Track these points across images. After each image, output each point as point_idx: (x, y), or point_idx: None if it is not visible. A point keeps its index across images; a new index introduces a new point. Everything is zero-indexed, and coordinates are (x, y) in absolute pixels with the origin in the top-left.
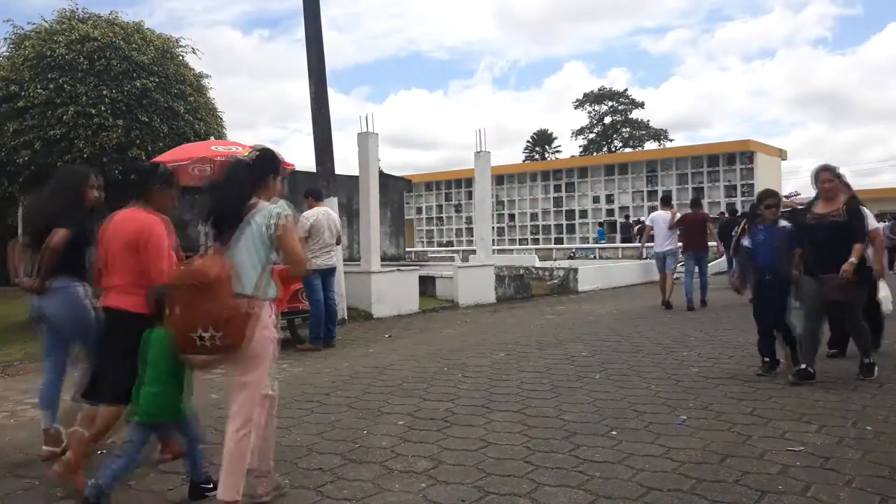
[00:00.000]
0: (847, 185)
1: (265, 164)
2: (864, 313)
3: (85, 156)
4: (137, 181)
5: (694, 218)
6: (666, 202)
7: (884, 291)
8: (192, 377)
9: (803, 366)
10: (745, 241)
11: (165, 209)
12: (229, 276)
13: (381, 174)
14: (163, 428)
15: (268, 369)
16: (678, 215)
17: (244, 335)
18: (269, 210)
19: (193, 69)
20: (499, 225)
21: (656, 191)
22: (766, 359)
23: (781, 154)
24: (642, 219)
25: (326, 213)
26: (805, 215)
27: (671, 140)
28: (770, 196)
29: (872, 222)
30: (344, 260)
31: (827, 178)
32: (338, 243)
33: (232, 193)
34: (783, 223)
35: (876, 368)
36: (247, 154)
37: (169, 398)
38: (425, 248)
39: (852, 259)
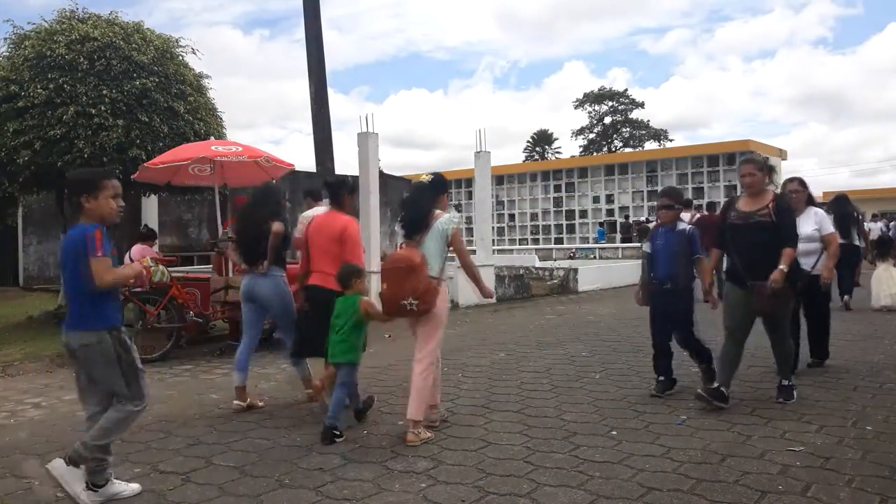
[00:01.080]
0: (807, 194)
1: (439, 185)
2: (814, 321)
3: (85, 156)
4: (332, 191)
5: (710, 220)
6: (687, 204)
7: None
8: (366, 333)
9: (716, 384)
10: (646, 247)
11: (352, 212)
12: (424, 262)
13: (381, 174)
14: (341, 369)
15: (443, 329)
16: (696, 216)
17: (434, 303)
18: (447, 217)
19: (193, 69)
20: (499, 225)
21: (656, 191)
22: (661, 377)
23: (781, 154)
24: (643, 219)
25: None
26: (729, 213)
27: (671, 140)
28: (666, 195)
29: (827, 226)
30: None
31: (748, 170)
32: None
33: (422, 207)
34: (683, 226)
35: (796, 392)
36: (425, 177)
37: (350, 347)
38: None
39: (781, 266)
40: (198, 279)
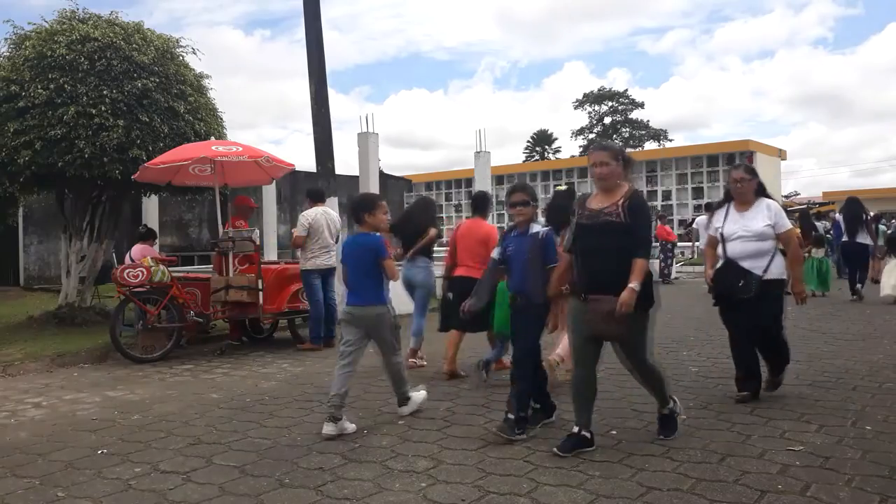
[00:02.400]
0: (757, 183)
1: (573, 193)
2: (763, 343)
3: (86, 156)
4: (479, 203)
5: None
6: (708, 207)
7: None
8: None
9: (575, 429)
10: (495, 253)
11: (487, 219)
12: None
13: (381, 174)
14: (502, 338)
15: None
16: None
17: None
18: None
19: (194, 69)
20: (499, 225)
21: (656, 191)
22: (509, 415)
23: (781, 154)
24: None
25: (325, 212)
26: (579, 210)
27: (671, 140)
28: (518, 191)
29: (783, 220)
30: None
31: (600, 158)
32: (336, 242)
33: (564, 210)
34: (537, 227)
35: (678, 421)
36: (562, 187)
37: (507, 320)
38: None
39: (631, 284)
40: (198, 279)
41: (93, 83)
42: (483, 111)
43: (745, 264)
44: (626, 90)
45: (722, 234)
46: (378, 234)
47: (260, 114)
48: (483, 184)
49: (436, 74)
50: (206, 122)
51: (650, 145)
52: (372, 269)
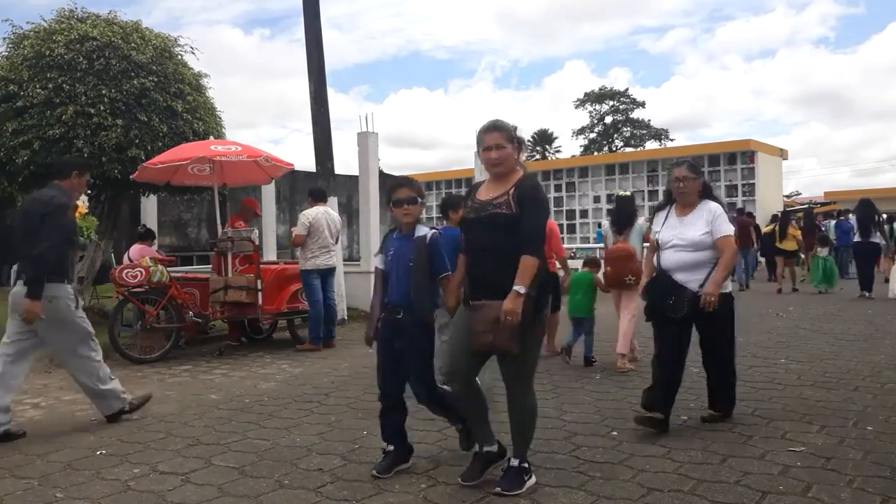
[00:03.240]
0: (701, 183)
1: (633, 199)
2: (712, 368)
3: (84, 155)
4: None
5: (745, 222)
6: (741, 212)
7: None
8: (595, 298)
9: (476, 448)
10: (377, 261)
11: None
12: (635, 252)
13: (381, 174)
14: (584, 323)
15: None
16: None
17: (641, 279)
18: (643, 220)
19: (192, 68)
20: None
21: (657, 190)
22: (389, 447)
23: (782, 154)
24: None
25: (326, 212)
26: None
27: (672, 140)
28: (404, 187)
29: (723, 226)
30: (344, 260)
31: (493, 141)
32: (336, 242)
33: (630, 213)
34: (424, 230)
35: (529, 479)
36: (625, 192)
37: (588, 307)
38: None
39: (517, 287)
40: (197, 279)
41: (91, 82)
42: (483, 111)
43: (679, 277)
44: (627, 89)
45: (658, 241)
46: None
47: (259, 113)
48: None
49: (436, 74)
50: (204, 122)
51: (651, 145)
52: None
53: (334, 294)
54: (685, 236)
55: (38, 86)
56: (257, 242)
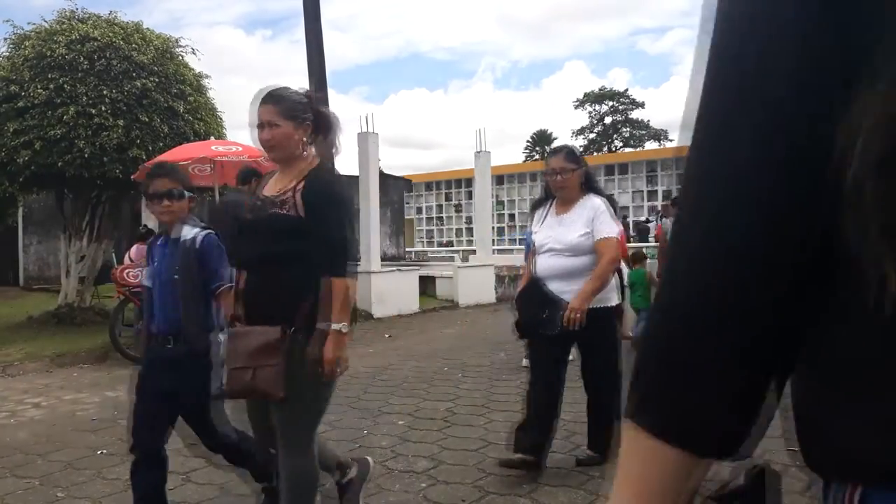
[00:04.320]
0: (582, 173)
1: None
2: (592, 396)
3: (85, 156)
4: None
5: None
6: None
7: None
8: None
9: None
10: (145, 277)
11: None
12: None
13: (381, 174)
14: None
15: None
16: None
17: None
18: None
19: (193, 69)
20: (499, 225)
21: (656, 191)
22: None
23: None
24: (643, 219)
25: None
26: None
27: (671, 140)
28: (161, 176)
29: (604, 226)
30: None
31: (264, 116)
32: None
33: None
34: (191, 230)
35: None
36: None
37: (647, 299)
38: (425, 248)
39: (336, 326)
40: None
41: (92, 83)
42: (483, 111)
43: (555, 287)
44: (627, 90)
45: (534, 245)
46: None
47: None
48: (483, 184)
49: (436, 74)
50: (205, 122)
51: (651, 145)
52: None
53: None
54: (562, 238)
55: (39, 86)
56: None
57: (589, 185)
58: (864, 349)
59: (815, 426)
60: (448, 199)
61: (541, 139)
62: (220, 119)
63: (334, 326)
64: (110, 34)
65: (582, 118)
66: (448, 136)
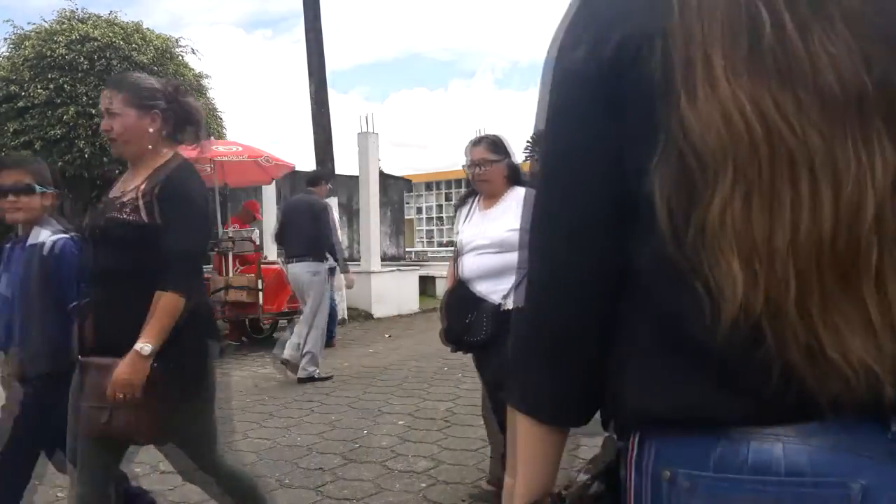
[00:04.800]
0: (507, 165)
1: None
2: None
3: (85, 156)
4: None
5: None
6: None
7: None
8: None
9: None
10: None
11: None
12: None
13: (381, 174)
14: None
15: None
16: None
17: None
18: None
19: (193, 69)
20: None
21: None
22: None
23: None
24: None
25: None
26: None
27: None
28: (7, 167)
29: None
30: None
31: (104, 103)
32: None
33: None
34: (46, 234)
35: None
36: None
37: None
38: (425, 248)
39: (139, 345)
40: None
41: (92, 83)
42: (483, 111)
43: (480, 288)
44: None
45: (459, 244)
46: None
47: (259, 113)
48: None
49: (436, 74)
50: (205, 122)
51: None
52: None
53: (334, 294)
54: (489, 234)
55: (39, 86)
56: (258, 242)
57: (515, 178)
58: (639, 337)
59: (612, 395)
60: (448, 199)
61: (541, 139)
62: (220, 119)
63: (137, 345)
64: (110, 34)
65: None
66: (449, 137)
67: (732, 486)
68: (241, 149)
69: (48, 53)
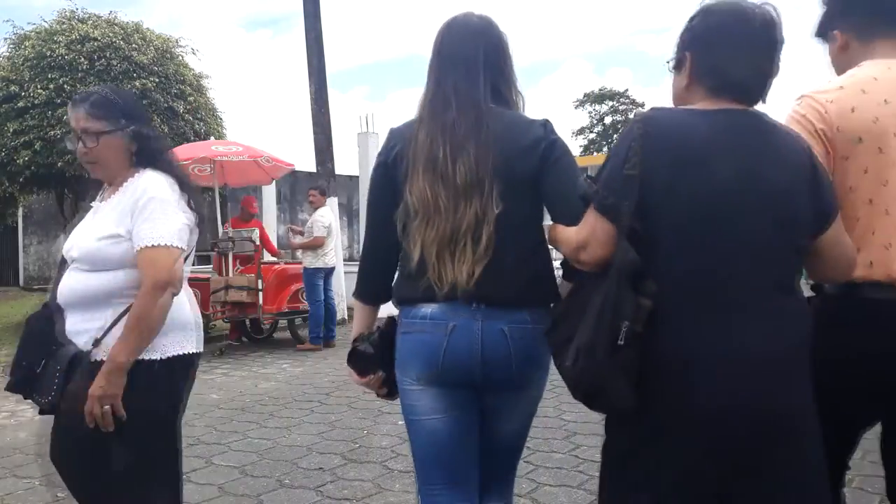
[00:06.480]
0: (133, 134)
1: None
2: None
3: None
4: None
5: None
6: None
7: None
8: None
9: None
10: None
11: None
12: None
13: None
14: None
15: None
16: None
17: None
18: None
19: (193, 69)
20: None
21: None
22: None
23: None
24: None
25: (332, 210)
26: None
27: None
28: None
29: (151, 225)
30: (344, 260)
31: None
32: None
33: None
34: None
35: None
36: None
37: None
38: None
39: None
40: (198, 279)
41: (93, 83)
42: None
43: (71, 322)
44: (627, 90)
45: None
46: None
47: (259, 113)
48: None
49: None
50: (205, 122)
51: None
52: None
53: (334, 293)
54: (80, 243)
55: (39, 86)
56: (258, 242)
57: (148, 157)
58: (399, 272)
59: (394, 293)
60: None
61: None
62: (220, 119)
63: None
64: (110, 34)
65: (582, 118)
66: None
67: (414, 322)
68: (241, 149)
69: (48, 53)
